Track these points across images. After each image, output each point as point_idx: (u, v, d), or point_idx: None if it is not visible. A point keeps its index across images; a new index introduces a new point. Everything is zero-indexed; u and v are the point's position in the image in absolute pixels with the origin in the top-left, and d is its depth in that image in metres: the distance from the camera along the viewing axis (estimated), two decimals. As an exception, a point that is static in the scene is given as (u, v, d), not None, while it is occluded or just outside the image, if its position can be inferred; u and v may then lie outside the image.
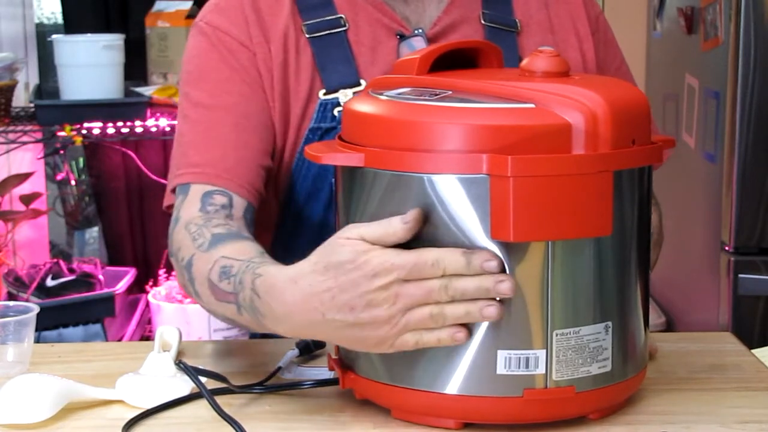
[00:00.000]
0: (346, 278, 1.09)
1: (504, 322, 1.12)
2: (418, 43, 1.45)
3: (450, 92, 1.17)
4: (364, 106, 1.20)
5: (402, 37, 1.46)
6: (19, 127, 2.88)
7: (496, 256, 1.09)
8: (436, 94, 1.16)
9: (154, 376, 1.29)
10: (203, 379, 1.24)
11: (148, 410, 1.23)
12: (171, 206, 1.41)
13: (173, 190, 1.41)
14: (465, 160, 1.10)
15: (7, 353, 1.36)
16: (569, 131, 1.10)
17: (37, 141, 2.94)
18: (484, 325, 1.12)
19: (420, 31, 1.46)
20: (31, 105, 2.99)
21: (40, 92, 3.08)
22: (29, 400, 1.20)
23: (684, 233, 2.78)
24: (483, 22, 1.49)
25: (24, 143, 2.93)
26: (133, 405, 1.25)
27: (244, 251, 1.24)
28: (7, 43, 3.33)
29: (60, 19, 3.47)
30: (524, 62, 1.20)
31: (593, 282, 1.14)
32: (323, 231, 1.42)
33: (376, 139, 1.15)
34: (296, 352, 1.34)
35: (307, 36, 1.44)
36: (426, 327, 1.10)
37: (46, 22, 3.61)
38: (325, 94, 1.43)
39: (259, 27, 1.43)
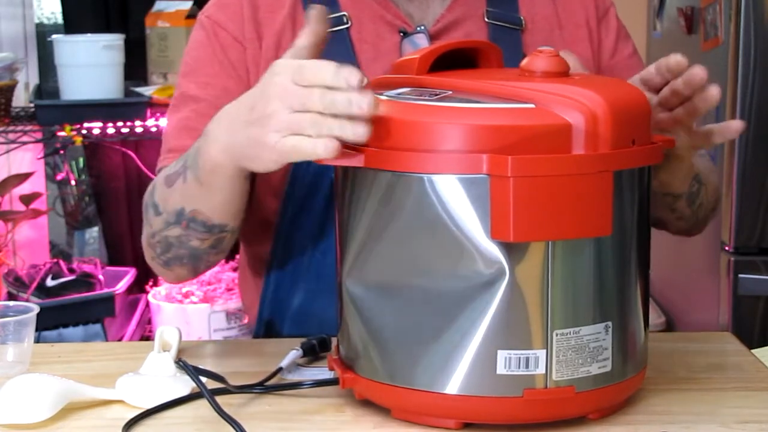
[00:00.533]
0: (257, 87, 1.17)
1: (504, 322, 1.12)
2: (421, 40, 1.46)
3: (450, 92, 1.17)
4: (364, 106, 1.19)
5: (405, 34, 1.47)
6: (19, 127, 2.88)
7: (359, 71, 1.11)
8: (436, 94, 1.16)
9: (154, 376, 1.29)
10: (203, 379, 1.24)
11: (148, 410, 1.23)
12: None
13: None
14: (465, 160, 1.10)
15: (7, 353, 1.36)
16: (569, 131, 1.10)
17: (37, 141, 2.94)
18: (484, 325, 1.12)
19: (422, 28, 1.47)
20: (31, 105, 2.99)
21: (40, 92, 3.08)
22: (29, 400, 1.20)
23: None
24: (487, 19, 1.50)
25: (24, 143, 2.93)
26: (133, 405, 1.25)
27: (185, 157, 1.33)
28: (7, 43, 3.33)
29: (60, 19, 3.47)
30: (524, 62, 1.20)
31: (593, 282, 1.14)
32: (324, 228, 1.43)
33: (376, 139, 1.15)
34: (299, 352, 1.34)
35: None
36: (306, 133, 1.12)
37: (46, 22, 3.61)
38: None
39: (254, 23, 1.47)
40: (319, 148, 1.12)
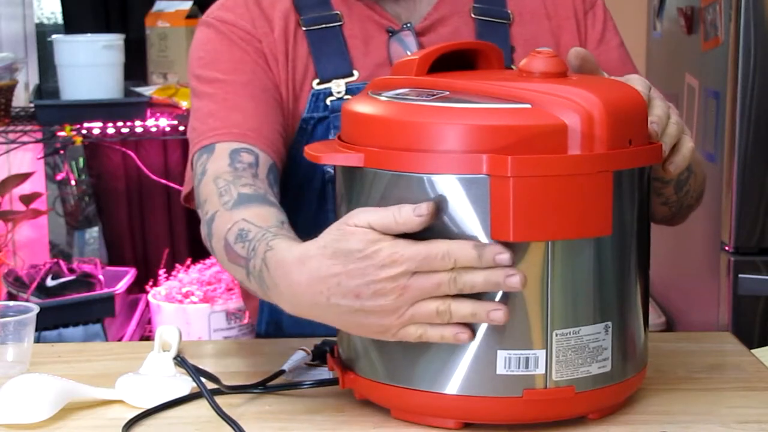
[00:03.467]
0: (355, 266, 1.09)
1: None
2: (407, 38, 1.49)
3: (448, 93, 1.17)
4: (363, 107, 1.20)
5: (392, 33, 1.49)
6: (19, 127, 2.88)
7: (508, 249, 1.08)
8: (434, 95, 1.16)
9: (154, 376, 1.29)
10: (203, 379, 1.24)
11: (148, 410, 1.23)
12: (189, 199, 1.43)
13: (192, 167, 1.41)
14: (465, 160, 1.10)
15: (7, 353, 1.36)
16: (565, 132, 1.10)
17: (37, 141, 2.93)
18: (484, 325, 1.12)
19: (409, 25, 1.49)
20: (31, 105, 2.99)
21: (40, 92, 3.08)
22: (29, 400, 1.20)
23: (684, 233, 2.78)
24: (473, 15, 1.52)
25: (24, 143, 2.93)
26: (133, 405, 1.25)
27: (265, 218, 1.25)
28: (7, 43, 3.33)
29: (60, 19, 3.47)
30: (522, 63, 1.20)
31: (593, 282, 1.14)
32: (317, 221, 1.43)
33: (376, 140, 1.15)
34: (302, 354, 1.33)
35: (304, 29, 1.49)
36: (431, 322, 1.10)
37: (46, 22, 3.61)
38: (318, 83, 1.47)
39: (263, 18, 1.49)
40: (447, 339, 1.10)
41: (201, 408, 1.23)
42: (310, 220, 1.47)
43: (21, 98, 3.18)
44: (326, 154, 1.18)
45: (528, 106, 1.12)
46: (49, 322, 2.74)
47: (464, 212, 1.11)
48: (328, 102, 1.46)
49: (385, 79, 1.27)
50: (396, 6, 1.51)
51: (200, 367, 1.27)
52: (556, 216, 1.09)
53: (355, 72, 1.48)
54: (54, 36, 2.93)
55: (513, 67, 1.48)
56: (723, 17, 2.48)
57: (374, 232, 1.09)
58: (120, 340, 2.88)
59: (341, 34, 1.49)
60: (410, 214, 1.08)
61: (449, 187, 1.11)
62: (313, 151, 1.20)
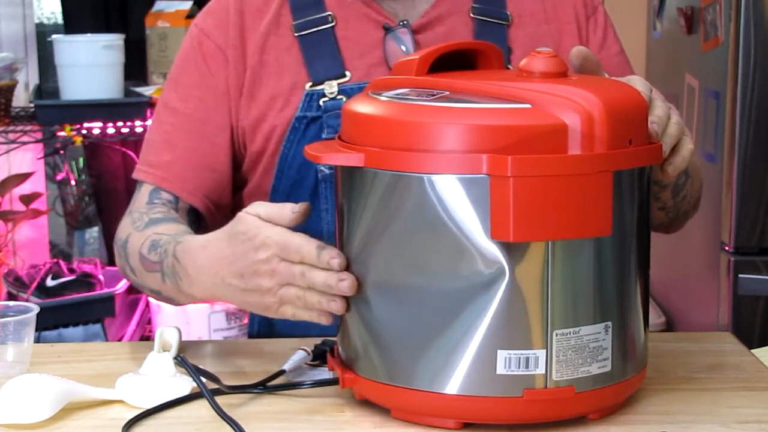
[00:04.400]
0: (240, 248, 1.22)
1: (504, 322, 1.12)
2: (403, 35, 1.49)
3: (448, 93, 1.17)
4: (363, 107, 1.20)
5: (388, 30, 1.49)
6: (19, 127, 2.88)
7: (341, 254, 1.18)
8: (434, 95, 1.16)
9: (154, 376, 1.29)
10: (203, 379, 1.24)
11: (148, 410, 1.23)
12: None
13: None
14: (465, 160, 1.10)
15: (7, 353, 1.36)
16: (565, 132, 1.10)
17: (37, 141, 2.93)
18: (484, 325, 1.12)
19: (405, 22, 1.49)
20: (31, 105, 2.99)
21: (40, 92, 3.08)
22: (29, 400, 1.20)
23: (684, 233, 2.77)
24: (472, 15, 1.52)
25: (24, 143, 2.92)
26: (133, 405, 1.25)
27: (175, 229, 1.40)
28: (7, 43, 3.33)
29: (60, 19, 3.47)
30: (522, 63, 1.20)
31: (593, 282, 1.15)
32: (309, 221, 1.44)
33: (376, 140, 1.15)
34: (303, 354, 1.33)
35: (295, 34, 1.50)
36: (296, 304, 1.21)
37: (46, 22, 3.61)
38: (311, 86, 1.48)
39: (239, 29, 1.51)
40: (313, 317, 1.22)
41: (201, 408, 1.23)
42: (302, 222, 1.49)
43: (21, 98, 3.18)
44: (326, 154, 1.18)
45: (528, 106, 1.12)
46: (49, 322, 2.74)
47: (464, 212, 1.11)
48: (321, 102, 1.47)
49: (385, 79, 1.27)
50: (394, 4, 1.51)
51: (200, 367, 1.26)
52: (556, 216, 1.09)
53: (348, 73, 1.48)
54: (54, 36, 2.93)
55: (510, 68, 1.48)
56: (723, 17, 2.48)
57: (259, 219, 1.21)
58: (120, 340, 2.88)
59: (333, 35, 1.50)
60: (287, 210, 1.21)
61: (449, 187, 1.11)
62: (313, 151, 1.20)
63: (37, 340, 1.44)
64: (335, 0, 1.51)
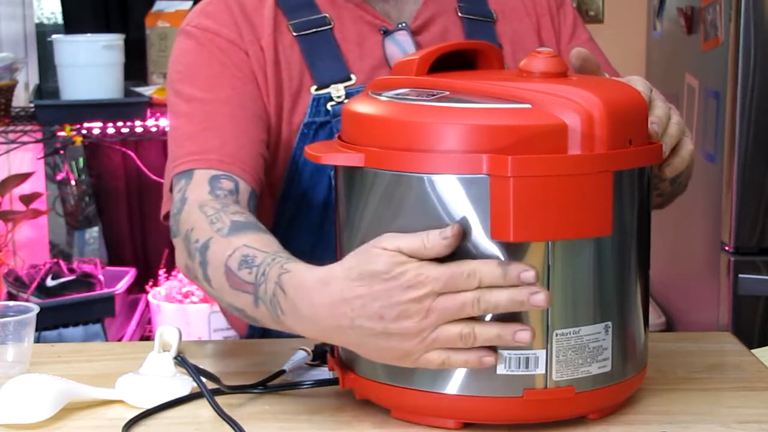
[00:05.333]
0: (380, 287, 1.08)
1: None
2: (403, 37, 1.49)
3: (448, 93, 1.17)
4: (363, 107, 1.20)
5: (386, 33, 1.49)
6: (19, 127, 2.88)
7: (533, 267, 1.07)
8: (434, 95, 1.16)
9: (154, 376, 1.29)
10: (203, 379, 1.24)
11: (148, 410, 1.23)
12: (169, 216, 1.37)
13: (171, 189, 1.39)
14: (465, 160, 1.10)
15: (7, 353, 1.36)
16: (565, 131, 1.10)
17: (37, 141, 2.94)
18: (484, 325, 1.12)
19: (404, 25, 1.49)
20: (31, 105, 2.99)
21: (40, 92, 3.08)
22: (29, 400, 1.20)
23: (684, 233, 2.78)
24: (459, 14, 1.53)
25: (24, 143, 2.93)
26: (133, 405, 1.25)
27: (267, 244, 1.22)
28: (7, 43, 3.33)
29: (60, 19, 3.47)
30: (522, 63, 1.20)
31: (593, 282, 1.14)
32: (323, 227, 1.43)
33: (376, 140, 1.15)
34: (303, 354, 1.33)
35: (294, 34, 1.46)
36: (454, 346, 1.09)
37: (46, 22, 3.61)
38: (316, 89, 1.45)
39: (249, 26, 1.45)
40: (472, 364, 1.10)
41: (201, 408, 1.23)
42: (315, 228, 1.47)
43: (21, 98, 3.18)
44: (326, 154, 1.18)
45: (528, 106, 1.12)
46: (49, 322, 2.74)
47: (464, 212, 1.11)
48: (329, 107, 1.45)
49: (385, 79, 1.27)
50: (385, 5, 1.50)
51: (200, 367, 1.27)
52: (556, 216, 1.09)
53: (353, 76, 1.46)
54: (54, 36, 2.93)
55: (505, 64, 1.48)
56: (723, 17, 2.48)
57: (401, 255, 1.08)
58: (120, 340, 2.88)
59: (333, 37, 1.47)
60: (437, 238, 1.08)
61: (449, 187, 1.11)
62: (313, 151, 1.19)
63: (37, 340, 1.44)
64: (328, 1, 1.49)
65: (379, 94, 1.20)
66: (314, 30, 1.47)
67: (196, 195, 1.32)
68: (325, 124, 1.45)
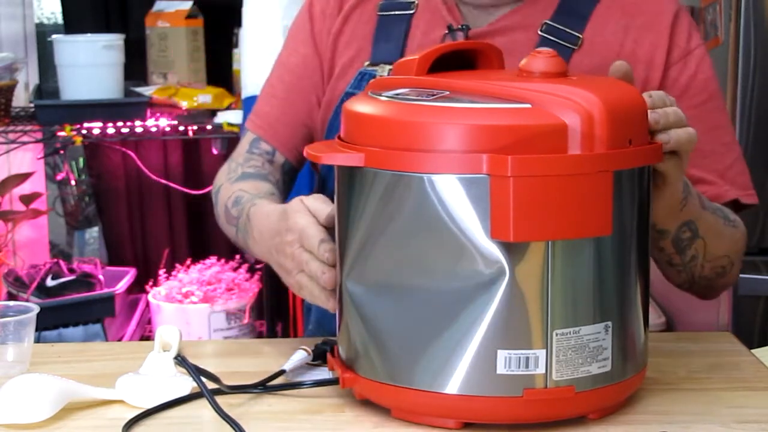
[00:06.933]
0: (280, 225, 1.31)
1: (504, 322, 1.12)
2: (460, 38, 1.51)
3: (448, 93, 1.17)
4: (363, 107, 1.20)
5: (450, 30, 1.52)
6: (19, 127, 2.88)
7: (334, 250, 1.23)
8: (434, 95, 1.16)
9: (154, 376, 1.29)
10: (203, 379, 1.24)
11: (148, 410, 1.23)
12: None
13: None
14: (465, 160, 1.10)
15: (7, 353, 1.36)
16: (565, 131, 1.10)
17: (37, 141, 2.93)
18: (484, 325, 1.12)
19: (465, 26, 1.51)
20: (31, 105, 2.99)
21: (40, 92, 3.08)
22: (29, 400, 1.20)
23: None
24: (540, 32, 1.49)
25: (24, 143, 2.93)
26: (133, 405, 1.25)
27: (259, 188, 1.50)
28: (7, 43, 3.33)
29: (60, 19, 3.47)
30: (522, 62, 1.20)
31: (593, 282, 1.14)
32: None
33: (376, 139, 1.15)
34: (303, 354, 1.33)
35: (378, 13, 1.56)
36: (307, 291, 1.28)
37: (46, 22, 3.61)
38: (368, 65, 1.54)
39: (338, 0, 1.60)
40: (323, 304, 1.28)
41: (201, 408, 1.23)
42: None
43: (21, 98, 3.18)
44: (326, 154, 1.18)
45: (528, 106, 1.12)
46: (49, 322, 2.74)
47: (464, 212, 1.11)
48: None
49: (385, 79, 1.27)
50: (474, 10, 1.52)
51: (200, 367, 1.27)
52: (556, 216, 1.09)
53: None
54: (54, 36, 2.93)
55: None
56: (723, 17, 2.48)
57: (303, 205, 1.29)
58: (120, 340, 2.88)
59: (408, 23, 1.54)
60: (329, 209, 1.26)
61: (449, 187, 1.11)
62: (313, 151, 1.20)
63: (37, 340, 1.44)
64: None
65: (379, 94, 1.20)
66: (396, 12, 1.56)
67: (237, 153, 1.61)
68: None
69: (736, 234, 1.50)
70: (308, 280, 1.27)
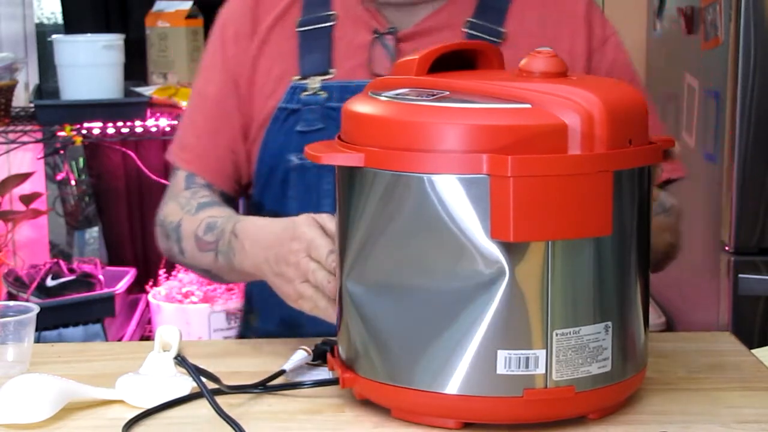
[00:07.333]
0: (285, 236, 1.32)
1: (504, 322, 1.12)
2: (389, 42, 1.53)
3: (448, 93, 1.17)
4: (363, 107, 1.20)
5: (377, 35, 1.53)
6: (19, 127, 2.88)
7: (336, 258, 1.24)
8: (434, 95, 1.16)
9: (154, 376, 1.29)
10: (203, 379, 1.24)
11: (148, 410, 1.23)
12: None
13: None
14: (465, 160, 1.10)
15: (7, 353, 1.36)
16: (565, 131, 1.10)
17: (37, 141, 2.93)
18: (484, 325, 1.12)
19: (392, 29, 1.53)
20: (31, 105, 2.98)
21: (40, 92, 3.08)
22: (29, 400, 1.20)
23: (684, 233, 2.77)
24: (464, 29, 1.54)
25: (24, 143, 2.92)
26: (133, 405, 1.25)
27: (226, 212, 1.49)
28: (7, 43, 3.33)
29: (60, 19, 3.47)
30: (522, 62, 1.20)
31: (593, 282, 1.15)
32: (282, 204, 1.56)
33: (376, 140, 1.15)
34: (303, 354, 1.33)
35: (297, 29, 1.55)
36: (309, 302, 1.30)
37: (46, 22, 3.61)
38: (298, 79, 1.54)
39: (252, 19, 1.57)
40: (328, 317, 1.30)
41: (201, 408, 1.23)
42: (274, 205, 1.57)
43: (21, 98, 3.18)
44: (326, 154, 1.18)
45: (528, 106, 1.12)
46: (49, 322, 2.74)
47: (464, 212, 1.11)
48: (302, 96, 1.53)
49: (385, 79, 1.27)
50: (396, 11, 1.54)
51: (200, 367, 1.27)
52: (556, 216, 1.09)
53: (332, 71, 1.53)
54: (54, 36, 2.93)
55: None
56: (723, 17, 2.48)
57: (311, 218, 1.31)
58: (120, 340, 2.88)
59: (330, 34, 1.55)
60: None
61: (449, 187, 1.11)
62: (313, 151, 1.20)
63: (37, 340, 1.45)
64: (341, 1, 1.56)
65: (379, 94, 1.20)
66: (315, 27, 1.55)
67: (176, 191, 1.58)
68: (295, 111, 1.53)
69: (671, 220, 1.55)
70: (313, 290, 1.29)
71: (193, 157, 1.59)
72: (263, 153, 1.56)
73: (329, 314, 1.28)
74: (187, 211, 1.52)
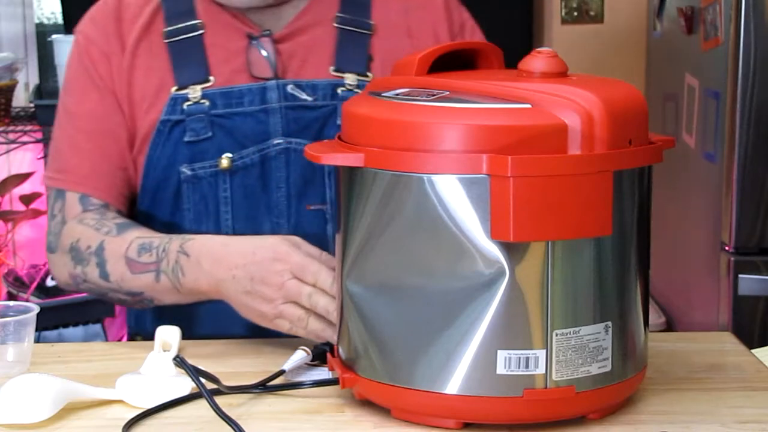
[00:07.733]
0: (262, 255, 1.33)
1: (504, 322, 1.12)
2: (266, 44, 1.54)
3: (448, 93, 1.17)
4: (363, 107, 1.20)
5: (251, 38, 1.54)
6: (19, 127, 2.88)
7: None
8: (434, 95, 1.16)
9: (154, 376, 1.29)
10: (202, 379, 1.24)
11: (148, 410, 1.23)
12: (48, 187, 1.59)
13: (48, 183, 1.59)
14: (465, 160, 1.10)
15: (7, 353, 1.36)
16: (565, 132, 1.10)
17: (37, 141, 2.93)
18: (484, 325, 1.12)
19: (267, 32, 1.55)
20: (31, 105, 2.99)
21: (40, 92, 3.08)
22: (29, 400, 1.20)
23: (684, 233, 2.78)
24: (335, 24, 1.57)
25: (24, 143, 2.93)
26: (133, 405, 1.25)
27: (155, 233, 1.47)
28: (7, 43, 3.33)
29: (60, 19, 3.47)
30: (522, 62, 1.20)
31: (593, 282, 1.14)
32: (173, 218, 1.56)
33: (375, 140, 1.15)
34: (303, 354, 1.33)
35: (165, 41, 1.55)
36: (293, 324, 1.32)
37: (46, 22, 3.61)
38: (176, 90, 1.53)
39: (117, 36, 1.56)
40: (311, 336, 1.33)
41: (201, 408, 1.23)
42: (167, 217, 1.56)
43: (21, 98, 3.18)
44: (326, 154, 1.18)
45: (528, 106, 1.12)
46: (49, 322, 2.74)
47: (464, 212, 1.11)
48: (184, 106, 1.52)
49: (385, 79, 1.27)
50: (261, 15, 1.56)
51: (200, 367, 1.26)
52: (556, 216, 1.09)
53: (212, 78, 1.53)
54: (54, 36, 2.93)
55: (369, 74, 1.54)
56: (723, 17, 2.48)
57: (288, 243, 1.33)
58: (120, 340, 2.88)
59: (201, 43, 1.55)
60: (328, 278, 1.29)
61: (449, 187, 1.11)
62: (313, 151, 1.20)
63: (37, 340, 1.44)
64: (205, 9, 1.56)
65: (379, 94, 1.20)
66: (184, 36, 1.55)
67: (73, 214, 1.53)
68: (179, 122, 1.53)
69: (699, 160, 1.57)
70: (302, 312, 1.31)
71: (80, 179, 1.54)
72: (149, 166, 1.54)
73: (324, 334, 1.31)
74: (106, 233, 1.47)
